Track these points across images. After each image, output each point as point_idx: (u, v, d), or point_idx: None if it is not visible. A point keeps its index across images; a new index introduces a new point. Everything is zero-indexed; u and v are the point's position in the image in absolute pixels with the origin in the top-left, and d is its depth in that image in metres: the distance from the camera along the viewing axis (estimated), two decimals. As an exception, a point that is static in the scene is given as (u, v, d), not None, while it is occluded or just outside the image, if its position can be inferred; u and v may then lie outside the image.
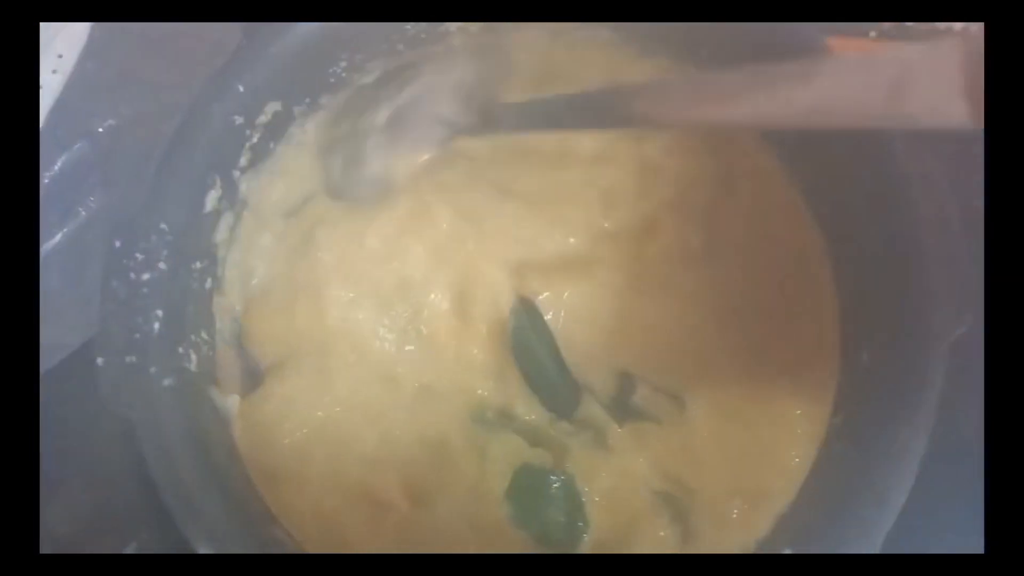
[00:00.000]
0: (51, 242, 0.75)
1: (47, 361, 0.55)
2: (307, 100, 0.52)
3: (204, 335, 0.48)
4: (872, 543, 0.37)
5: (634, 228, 0.52)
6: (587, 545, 0.46)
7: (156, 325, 0.43)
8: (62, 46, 0.78)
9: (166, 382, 0.42)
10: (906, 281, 0.42)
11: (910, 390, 0.40)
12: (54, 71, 0.77)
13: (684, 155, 0.52)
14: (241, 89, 0.46)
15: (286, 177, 0.56)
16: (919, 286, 0.42)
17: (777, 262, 0.51)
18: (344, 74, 0.52)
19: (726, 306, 0.51)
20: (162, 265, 0.44)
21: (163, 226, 0.44)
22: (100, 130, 0.79)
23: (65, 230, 0.76)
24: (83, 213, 0.77)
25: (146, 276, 0.43)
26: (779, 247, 0.51)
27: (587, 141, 0.54)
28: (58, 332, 0.68)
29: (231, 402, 0.49)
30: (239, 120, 0.47)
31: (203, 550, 0.40)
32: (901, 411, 0.40)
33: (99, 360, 0.41)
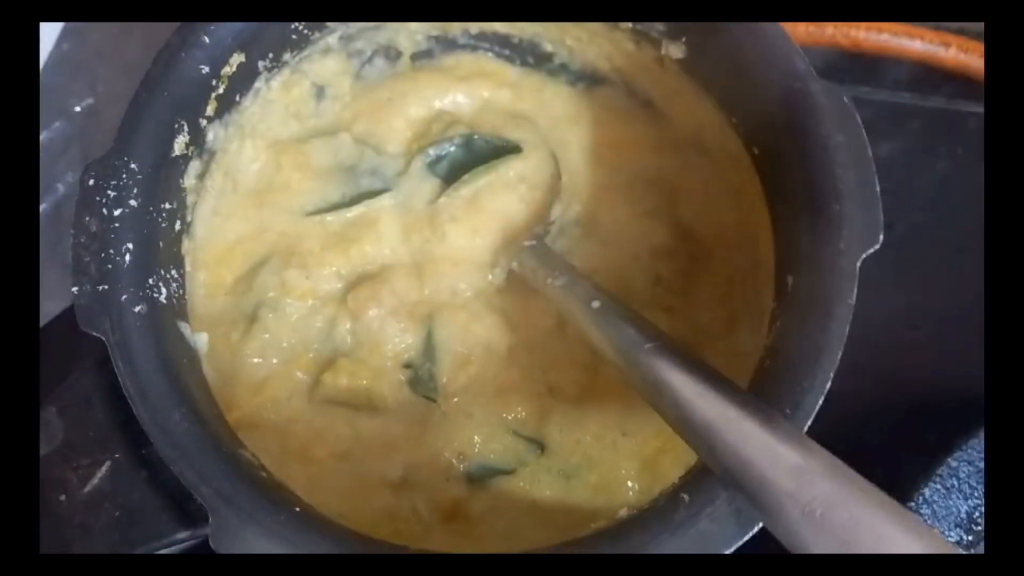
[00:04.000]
0: (32, 216, 0.78)
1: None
2: (270, 55, 0.54)
3: (174, 273, 0.50)
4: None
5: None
6: None
7: (127, 257, 0.45)
8: (41, 30, 0.80)
9: (137, 308, 0.45)
10: (824, 210, 0.45)
11: (828, 305, 0.43)
12: (33, 53, 0.79)
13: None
14: (207, 40, 0.49)
15: (255, 139, 0.59)
16: (835, 214, 0.45)
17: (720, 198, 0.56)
18: (305, 31, 0.55)
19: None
20: (133, 202, 0.46)
21: (133, 165, 0.47)
22: (77, 109, 0.82)
23: (44, 204, 0.79)
24: (61, 188, 0.80)
25: (118, 212, 0.46)
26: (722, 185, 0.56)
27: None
28: (41, 300, 0.71)
29: (200, 339, 0.52)
30: (205, 69, 0.50)
31: (175, 468, 0.42)
32: (819, 324, 0.43)
33: (73, 289, 0.44)
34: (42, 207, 0.79)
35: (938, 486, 0.58)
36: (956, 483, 0.58)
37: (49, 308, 0.60)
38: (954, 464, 0.58)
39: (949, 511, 0.57)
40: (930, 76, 0.78)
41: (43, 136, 0.80)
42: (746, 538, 0.40)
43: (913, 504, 0.57)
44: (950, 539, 0.55)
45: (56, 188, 0.80)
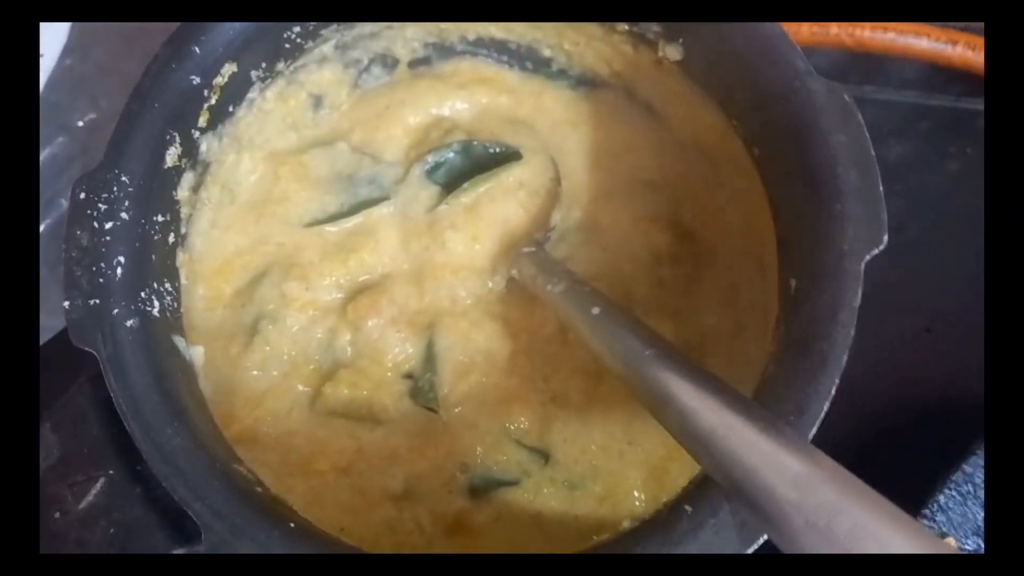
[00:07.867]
0: (35, 232, 0.78)
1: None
2: (263, 64, 0.54)
3: (168, 286, 0.50)
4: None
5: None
6: None
7: (119, 270, 0.45)
8: (43, 45, 0.80)
9: (129, 323, 0.44)
10: (826, 211, 0.44)
11: (832, 309, 0.42)
12: (35, 68, 0.79)
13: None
14: (197, 50, 0.49)
15: (252, 150, 0.58)
16: (838, 215, 0.44)
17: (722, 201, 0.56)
18: (298, 39, 0.55)
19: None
20: (124, 215, 0.46)
21: (124, 178, 0.46)
22: (80, 124, 0.82)
23: (47, 220, 0.79)
24: (64, 204, 0.80)
25: (109, 225, 0.45)
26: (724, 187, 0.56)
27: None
28: (42, 316, 0.71)
29: (196, 353, 0.51)
30: (196, 80, 0.49)
31: (167, 483, 0.41)
32: (823, 329, 0.42)
33: (65, 303, 0.44)
34: (45, 223, 0.79)
35: (953, 492, 0.56)
36: (972, 489, 0.56)
37: (53, 324, 0.60)
38: (969, 470, 0.56)
39: (965, 518, 0.56)
40: (937, 75, 0.76)
41: (46, 152, 0.80)
42: (750, 551, 0.39)
43: (928, 511, 0.56)
44: (967, 548, 0.54)
45: (59, 204, 0.80)
